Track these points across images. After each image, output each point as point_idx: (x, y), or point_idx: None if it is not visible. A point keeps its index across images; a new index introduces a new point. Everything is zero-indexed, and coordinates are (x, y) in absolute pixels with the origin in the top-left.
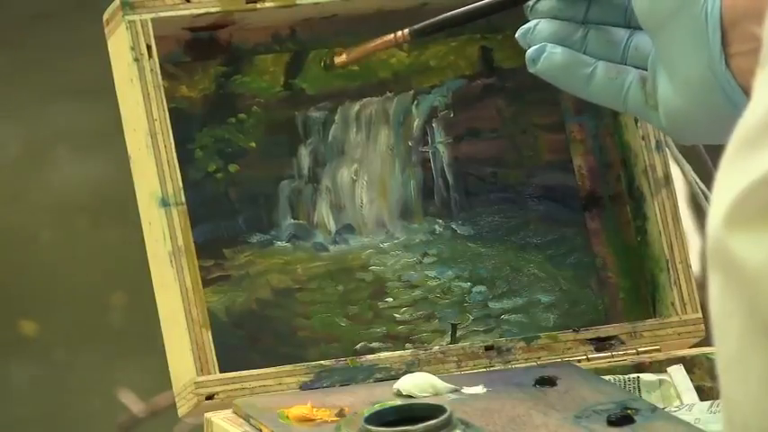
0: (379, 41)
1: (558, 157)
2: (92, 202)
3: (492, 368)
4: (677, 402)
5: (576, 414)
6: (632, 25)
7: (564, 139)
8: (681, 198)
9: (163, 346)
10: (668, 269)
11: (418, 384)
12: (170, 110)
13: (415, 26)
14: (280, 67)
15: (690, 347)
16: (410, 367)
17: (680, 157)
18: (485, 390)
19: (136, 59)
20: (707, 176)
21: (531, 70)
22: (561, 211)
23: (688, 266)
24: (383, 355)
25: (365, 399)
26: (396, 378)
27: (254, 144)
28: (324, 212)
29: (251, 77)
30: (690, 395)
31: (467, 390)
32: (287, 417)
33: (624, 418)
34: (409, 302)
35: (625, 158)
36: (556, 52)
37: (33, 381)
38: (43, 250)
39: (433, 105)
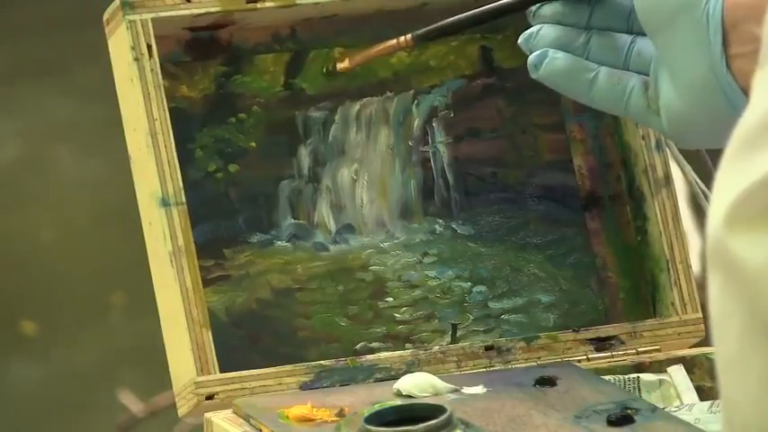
0: (381, 47)
1: (558, 157)
2: (92, 202)
3: (492, 368)
4: (677, 402)
5: (576, 414)
6: (635, 31)
7: (564, 139)
8: (681, 198)
9: (163, 345)
10: (668, 269)
11: (418, 384)
12: (170, 110)
13: (418, 31)
14: (280, 66)
15: (690, 347)
16: (410, 367)
17: (680, 157)
18: (485, 390)
19: (136, 59)
20: (707, 176)
21: (533, 76)
22: (561, 211)
23: (688, 266)
24: (383, 355)
25: (365, 399)
26: (396, 378)
27: (254, 144)
28: (324, 212)
29: (251, 77)
30: (690, 395)
31: (467, 390)
32: (287, 417)
33: (624, 418)
34: (409, 302)
35: (625, 158)
36: (558, 57)
37: (33, 380)
38: (43, 250)
39: (433, 105)
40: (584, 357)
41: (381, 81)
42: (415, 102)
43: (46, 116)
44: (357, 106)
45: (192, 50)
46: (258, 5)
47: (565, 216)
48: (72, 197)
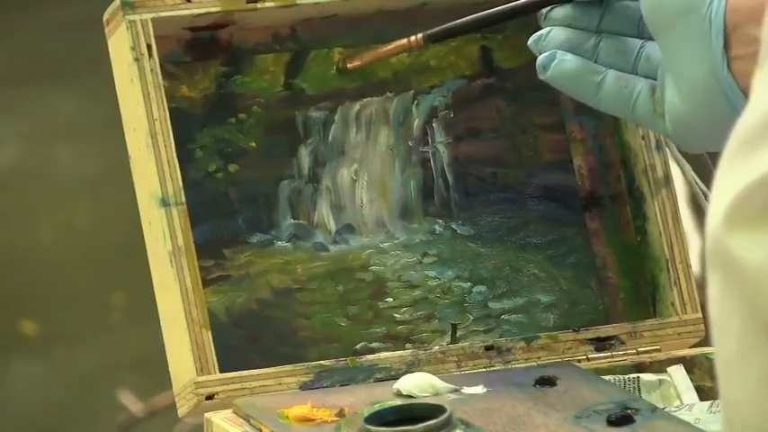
0: (392, 46)
1: (558, 157)
2: (92, 202)
3: (492, 368)
4: (677, 402)
5: (576, 414)
6: (645, 36)
7: (564, 139)
8: (681, 198)
9: (163, 345)
10: (668, 269)
11: (418, 384)
12: (170, 110)
13: (429, 31)
14: (280, 67)
15: (690, 347)
16: (410, 367)
17: (680, 157)
18: (485, 390)
19: (136, 59)
20: (707, 176)
21: (541, 77)
22: (561, 211)
23: (688, 266)
24: (383, 355)
25: (365, 399)
26: (396, 378)
27: (254, 144)
28: (324, 212)
29: (251, 77)
30: (690, 395)
31: (467, 390)
32: (287, 417)
33: (624, 418)
34: (409, 302)
35: (625, 158)
36: (566, 59)
37: (33, 380)
38: (43, 250)
39: (433, 105)
40: (584, 357)
41: (381, 81)
42: (415, 102)
43: (46, 116)
44: (357, 106)
45: (192, 50)
46: (258, 5)
47: (565, 216)
48: (72, 197)
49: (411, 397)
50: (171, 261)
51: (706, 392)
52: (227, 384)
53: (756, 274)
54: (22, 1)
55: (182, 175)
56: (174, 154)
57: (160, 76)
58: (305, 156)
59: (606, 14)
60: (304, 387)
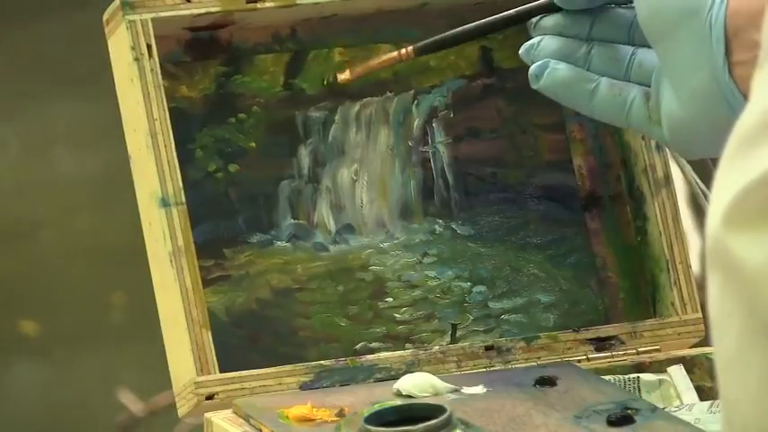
0: (383, 58)
1: (558, 157)
2: (92, 202)
3: (492, 368)
4: (677, 402)
5: (576, 414)
6: (636, 43)
7: (564, 139)
8: (681, 198)
9: (163, 345)
10: (668, 269)
11: (418, 384)
12: (170, 110)
13: (419, 44)
14: (280, 67)
15: (690, 347)
16: (410, 367)
17: (680, 157)
18: (485, 390)
19: (136, 59)
20: (707, 176)
21: (533, 86)
22: (561, 211)
23: (688, 266)
24: (383, 355)
25: (365, 399)
26: (396, 378)
27: (254, 144)
28: (324, 212)
29: (251, 77)
30: (690, 395)
31: (467, 390)
32: (287, 417)
33: (624, 418)
34: (409, 302)
35: (625, 158)
36: (559, 68)
37: (33, 380)
38: (44, 250)
39: (433, 105)
40: (584, 357)
41: (381, 81)
42: (415, 102)
43: (46, 116)
44: (357, 106)
45: (192, 50)
46: (258, 5)
47: (565, 216)
48: (72, 197)
49: (411, 397)
50: (171, 261)
51: (706, 392)
52: (227, 384)
53: (756, 274)
54: (22, 3)
55: (182, 175)
56: (174, 154)
57: (160, 76)
58: (305, 156)
59: (596, 22)
60: (304, 387)
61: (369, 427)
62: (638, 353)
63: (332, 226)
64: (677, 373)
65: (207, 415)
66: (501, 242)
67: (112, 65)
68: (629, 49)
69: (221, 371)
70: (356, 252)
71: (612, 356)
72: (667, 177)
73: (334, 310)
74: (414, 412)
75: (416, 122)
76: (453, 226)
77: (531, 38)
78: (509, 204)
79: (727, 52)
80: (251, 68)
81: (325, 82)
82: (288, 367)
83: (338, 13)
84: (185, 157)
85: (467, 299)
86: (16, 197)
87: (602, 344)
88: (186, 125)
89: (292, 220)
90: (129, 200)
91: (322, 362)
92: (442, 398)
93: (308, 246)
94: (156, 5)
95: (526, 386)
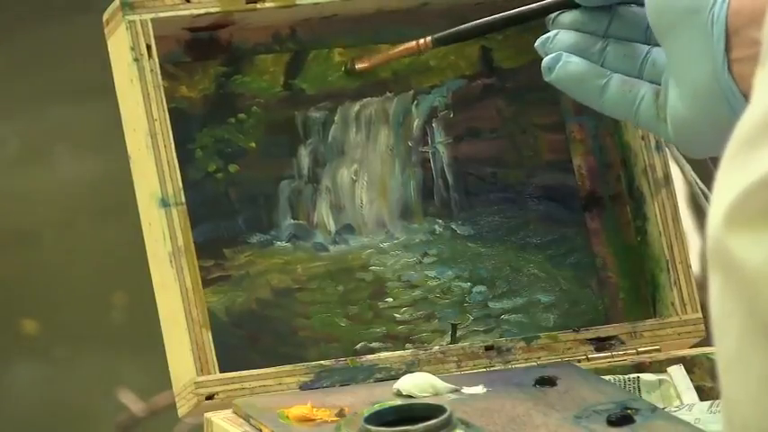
0: (401, 48)
1: (558, 157)
2: (92, 202)
3: (492, 368)
4: (677, 402)
5: (575, 414)
6: (651, 42)
7: (564, 139)
8: (681, 198)
9: (163, 345)
10: (668, 269)
11: (418, 384)
12: (170, 110)
13: (437, 35)
14: (280, 67)
15: (690, 347)
16: (410, 367)
17: (680, 157)
18: (485, 390)
19: (136, 59)
20: (707, 176)
21: (546, 78)
22: (561, 211)
23: (688, 266)
24: (383, 355)
25: (365, 399)
26: (396, 378)
27: (254, 144)
28: (324, 212)
29: (251, 77)
30: (690, 395)
31: (467, 390)
32: (287, 417)
33: (624, 418)
34: (409, 302)
35: (625, 158)
36: (572, 61)
37: (34, 380)
38: (44, 249)
39: (433, 105)
40: (584, 357)
41: (381, 81)
42: (415, 102)
43: (46, 116)
44: (357, 107)
45: (192, 51)
46: (258, 6)
47: (565, 216)
48: (72, 197)
49: (411, 397)
50: (171, 261)
51: (706, 392)
52: (227, 384)
53: (756, 274)
54: (23, 2)
55: (182, 175)
56: (174, 154)
57: (160, 77)
58: (305, 156)
59: (614, 20)
60: (304, 387)
61: (369, 427)
62: (638, 353)
63: (332, 226)
64: (677, 373)
65: (207, 415)
66: (501, 242)
67: (112, 65)
68: (645, 47)
69: (221, 371)
70: (356, 252)
71: (612, 356)
72: (667, 177)
73: (334, 310)
74: (414, 412)
75: (416, 122)
76: (453, 226)
77: (540, 30)
78: (509, 204)
79: (727, 50)
80: (251, 69)
81: (343, 68)
82: (288, 367)
83: (338, 13)
84: (185, 158)
85: (467, 299)
86: (17, 196)
87: (602, 344)
88: (186, 125)
89: (292, 221)
90: (129, 200)
91: (322, 362)
92: (442, 398)
93: (308, 246)
94: (156, 6)
95: (526, 386)
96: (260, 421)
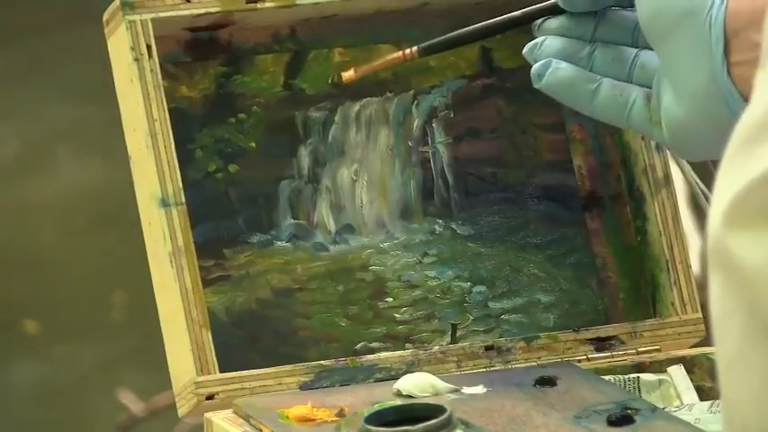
0: (388, 58)
1: (558, 157)
2: (92, 202)
3: (492, 368)
4: (677, 402)
5: (575, 414)
6: (639, 45)
7: (564, 139)
8: (681, 198)
9: (163, 345)
10: (668, 269)
11: (418, 384)
12: (170, 110)
13: (424, 44)
14: (280, 67)
15: (690, 347)
16: (410, 367)
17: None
18: (485, 390)
19: (136, 59)
20: (707, 176)
21: (536, 86)
22: (561, 211)
23: (688, 266)
24: (383, 355)
25: (365, 399)
26: (396, 378)
27: (254, 144)
28: (324, 212)
29: (251, 77)
30: (690, 395)
31: (467, 390)
32: (287, 417)
33: (624, 418)
34: (409, 302)
35: (625, 158)
36: (561, 68)
37: (34, 379)
38: (44, 249)
39: (433, 105)
40: (584, 357)
41: (381, 81)
42: (415, 102)
43: (45, 117)
44: (357, 107)
45: (192, 51)
46: (258, 6)
47: (565, 216)
48: (72, 197)
49: (411, 397)
50: (171, 261)
51: (706, 392)
52: (227, 384)
53: (756, 274)
54: (23, 2)
55: (182, 175)
56: (174, 154)
57: (160, 77)
58: (305, 156)
59: (600, 24)
60: (304, 387)
61: (369, 427)
62: (638, 353)
63: (332, 226)
64: (677, 373)
65: (207, 415)
66: (501, 242)
67: (112, 65)
68: (633, 50)
69: (221, 371)
70: (356, 252)
71: (612, 356)
72: (667, 177)
73: (334, 310)
74: (414, 412)
75: (416, 123)
76: (453, 226)
77: (534, 38)
78: (509, 204)
79: (726, 52)
80: (251, 68)
81: (329, 81)
82: (288, 367)
83: (338, 13)
84: (185, 158)
85: (467, 299)
86: (17, 196)
87: (602, 344)
88: (186, 125)
89: (292, 220)
90: (129, 199)
91: (322, 362)
92: (442, 398)
93: (308, 246)
94: (156, 6)
95: (526, 386)
96: (260, 421)
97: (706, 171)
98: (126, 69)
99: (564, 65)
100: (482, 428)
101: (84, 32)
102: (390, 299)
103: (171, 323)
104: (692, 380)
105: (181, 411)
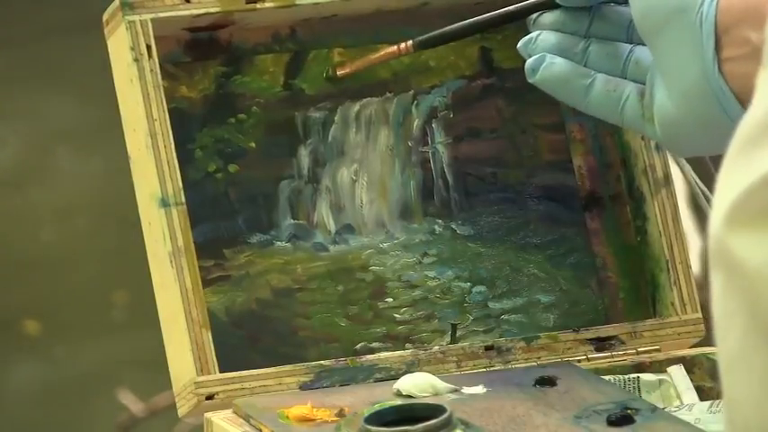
0: (382, 53)
1: (558, 157)
2: (92, 202)
3: (492, 368)
4: (677, 402)
5: (575, 414)
6: (634, 41)
7: (564, 139)
8: (681, 198)
9: (163, 345)
10: (668, 269)
11: (418, 384)
12: (170, 110)
13: (419, 38)
14: (280, 67)
15: (690, 347)
16: (410, 367)
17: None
18: (485, 390)
19: (136, 59)
20: (707, 176)
21: (530, 80)
22: (561, 211)
23: (688, 266)
24: (383, 355)
25: (365, 399)
26: (396, 378)
27: (253, 144)
28: (324, 212)
29: (251, 77)
30: (690, 395)
31: (467, 390)
32: (287, 417)
33: (624, 418)
34: (409, 302)
35: (625, 158)
36: (555, 63)
37: (34, 379)
38: (45, 249)
39: (433, 105)
40: (584, 357)
41: (381, 81)
42: (415, 102)
43: (46, 117)
44: (357, 107)
45: (192, 51)
46: (258, 6)
47: (565, 216)
48: (72, 197)
49: (411, 397)
50: (171, 261)
51: (706, 392)
52: (227, 384)
53: (757, 275)
54: (23, 2)
55: (181, 175)
56: (174, 154)
57: (160, 77)
58: (305, 156)
59: (595, 19)
60: (304, 387)
61: (369, 427)
62: (638, 353)
63: (332, 226)
64: (677, 373)
65: (207, 415)
66: (501, 242)
67: (112, 65)
68: (627, 46)
69: (221, 371)
70: (356, 252)
71: (612, 356)
72: (667, 177)
73: (334, 310)
74: (414, 412)
75: (416, 123)
76: (453, 226)
77: (529, 33)
78: (509, 204)
79: (718, 49)
80: (251, 69)
81: (324, 75)
82: (288, 367)
83: (338, 13)
84: (185, 158)
85: (467, 299)
86: (17, 196)
87: (602, 344)
88: (186, 125)
89: (292, 221)
90: (129, 198)
91: (322, 362)
92: (442, 398)
93: (307, 246)
94: (156, 6)
95: (526, 386)
96: (260, 421)
97: (706, 171)
98: (126, 69)
99: (558, 60)
100: (482, 428)
101: (85, 32)
102: (390, 299)
103: (171, 323)
104: (692, 380)
105: (181, 411)
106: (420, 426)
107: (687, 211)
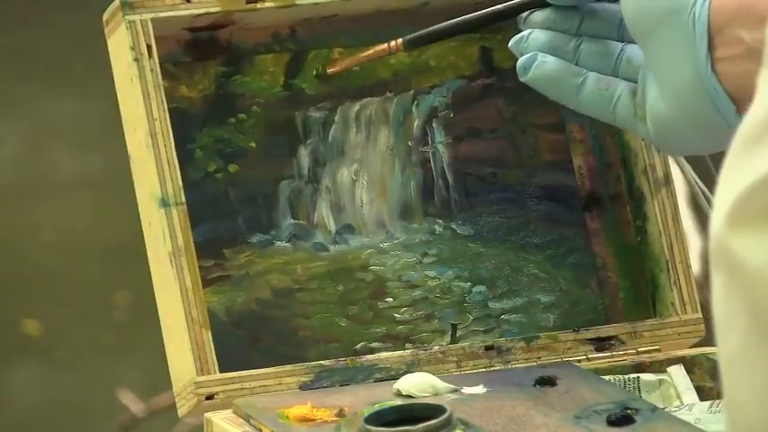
0: (372, 51)
1: (558, 157)
2: (92, 202)
3: (492, 368)
4: (677, 402)
5: (575, 414)
6: (625, 39)
7: (564, 139)
8: (681, 198)
9: (163, 345)
10: (668, 269)
11: (418, 384)
12: (170, 110)
13: (409, 36)
14: (280, 67)
15: (690, 347)
16: (410, 367)
17: (680, 156)
18: (485, 390)
19: (136, 59)
20: (707, 176)
21: (522, 79)
22: (561, 211)
23: (688, 266)
24: (383, 355)
25: (365, 399)
26: (396, 378)
27: (253, 144)
28: (324, 212)
29: (251, 77)
30: (690, 395)
31: (467, 390)
32: (287, 417)
33: (624, 418)
34: (409, 302)
35: (625, 158)
36: (547, 61)
37: (35, 380)
38: (45, 249)
39: (433, 105)
40: (584, 357)
41: (381, 81)
42: (415, 102)
43: (46, 116)
44: (357, 107)
45: (192, 50)
46: (258, 6)
47: (565, 216)
48: (72, 197)
49: (411, 397)
50: (171, 261)
51: (706, 392)
52: (227, 384)
53: (758, 274)
54: (23, 2)
55: (182, 175)
56: (174, 154)
57: (160, 76)
58: (305, 156)
59: (586, 18)
60: (304, 387)
61: (369, 427)
62: (638, 353)
63: (332, 226)
64: (677, 373)
65: (207, 415)
66: (501, 242)
67: (112, 65)
68: (618, 44)
69: (221, 371)
70: (356, 252)
71: (612, 356)
72: (667, 177)
73: (334, 310)
74: (414, 412)
75: (416, 122)
76: (453, 226)
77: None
78: (509, 204)
79: (711, 49)
80: (251, 68)
81: (314, 73)
82: (288, 367)
83: (338, 13)
84: (185, 157)
85: (467, 299)
86: (17, 196)
87: (602, 344)
88: (186, 125)
89: (292, 221)
90: (129, 199)
91: (322, 362)
92: (442, 398)
93: (307, 246)
94: (156, 6)
95: (526, 386)
96: (260, 421)
97: (706, 171)
98: (126, 69)
99: (550, 58)
100: (482, 428)
101: (85, 31)
102: (390, 299)
103: (171, 323)
104: (691, 380)
105: (181, 411)
106: (420, 426)
107: (687, 211)
